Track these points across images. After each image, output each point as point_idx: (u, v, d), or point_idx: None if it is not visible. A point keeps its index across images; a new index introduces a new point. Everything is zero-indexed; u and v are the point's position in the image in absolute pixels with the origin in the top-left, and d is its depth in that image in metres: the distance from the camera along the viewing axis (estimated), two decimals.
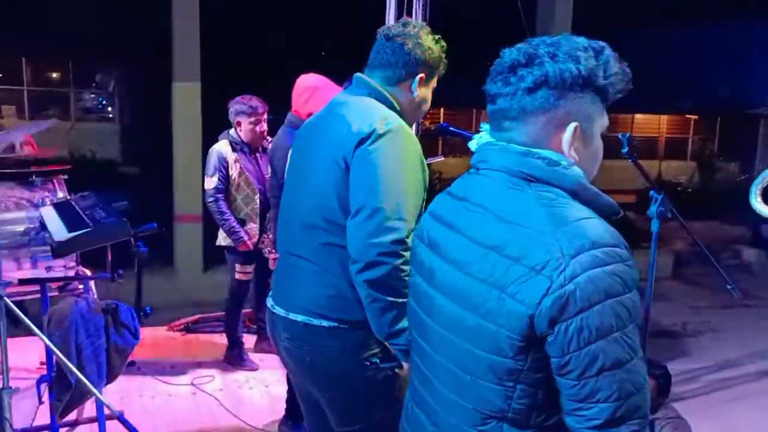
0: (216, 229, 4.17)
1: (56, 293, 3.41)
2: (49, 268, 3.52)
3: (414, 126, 3.20)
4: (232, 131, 4.11)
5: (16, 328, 2.29)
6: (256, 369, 4.27)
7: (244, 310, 4.42)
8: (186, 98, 6.00)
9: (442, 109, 17.98)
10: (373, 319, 1.81)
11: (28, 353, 3.92)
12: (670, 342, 5.41)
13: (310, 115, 2.32)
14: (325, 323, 1.90)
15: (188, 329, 4.93)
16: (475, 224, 1.22)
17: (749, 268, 8.18)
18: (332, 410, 2.01)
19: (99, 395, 2.23)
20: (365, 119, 1.84)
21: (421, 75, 1.96)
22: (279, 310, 2.00)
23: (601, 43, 1.20)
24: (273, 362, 4.32)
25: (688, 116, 20.09)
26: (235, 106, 4.06)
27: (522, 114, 1.19)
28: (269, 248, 3.90)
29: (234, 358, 4.31)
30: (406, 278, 1.73)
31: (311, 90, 3.17)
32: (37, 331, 1.99)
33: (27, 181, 3.73)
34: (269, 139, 4.06)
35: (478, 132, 2.29)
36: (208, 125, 5.76)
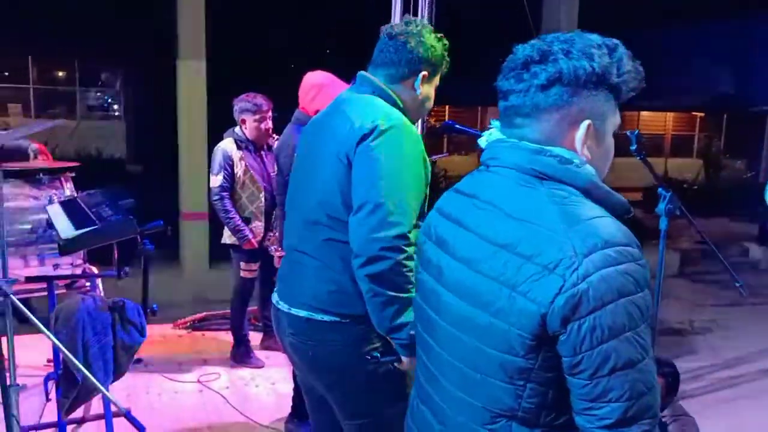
0: (221, 226, 4.17)
1: (63, 290, 3.42)
2: (56, 266, 3.54)
3: (419, 124, 3.22)
4: (237, 129, 4.11)
5: (23, 325, 2.30)
6: (262, 366, 4.28)
7: (250, 308, 4.43)
8: (191, 96, 6.01)
9: (447, 107, 17.96)
10: (374, 313, 1.82)
11: (35, 350, 3.93)
12: (677, 340, 5.40)
13: (317, 112, 2.34)
14: (326, 318, 1.92)
15: (194, 327, 4.95)
16: (485, 222, 1.21)
17: (756, 266, 8.16)
18: (337, 404, 2.04)
19: (106, 392, 2.23)
20: (368, 116, 1.85)
21: (424, 73, 1.98)
22: (283, 306, 2.03)
23: (615, 41, 1.19)
24: (279, 360, 4.33)
25: (694, 113, 20.04)
26: (239, 104, 4.06)
27: (535, 111, 1.19)
28: (275, 246, 3.90)
29: (240, 356, 4.32)
30: (408, 273, 1.76)
31: (318, 87, 3.17)
32: (44, 329, 1.99)
33: (34, 179, 3.74)
34: (275, 137, 4.06)
35: (484, 130, 2.29)
36: (213, 123, 5.77)
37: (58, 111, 17.19)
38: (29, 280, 3.19)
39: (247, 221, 4.06)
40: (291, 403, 3.48)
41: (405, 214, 1.78)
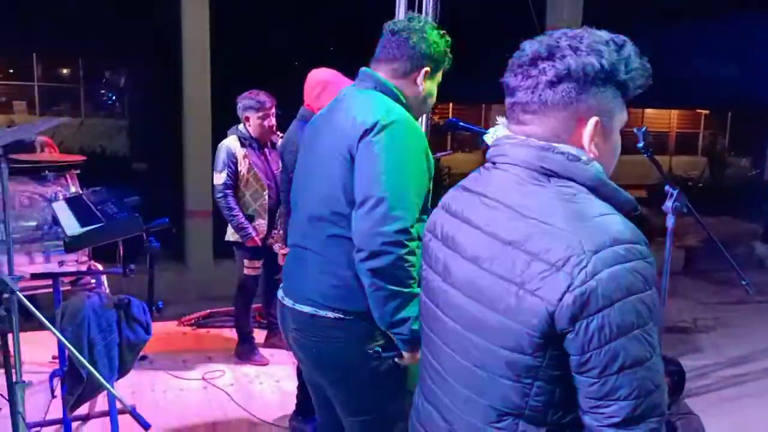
0: (225, 224, 4.17)
1: (68, 287, 3.43)
2: (61, 263, 3.54)
3: (423, 122, 3.21)
4: (240, 126, 4.10)
5: (28, 322, 2.30)
6: (267, 364, 4.28)
7: (254, 305, 4.44)
8: (196, 94, 6.01)
9: (450, 105, 17.93)
10: (375, 308, 1.83)
11: (41, 347, 3.94)
12: (681, 338, 5.38)
13: (322, 109, 2.33)
14: (330, 314, 1.93)
15: (199, 324, 4.96)
16: (492, 219, 1.20)
17: (762, 264, 8.13)
18: (340, 401, 2.04)
19: (111, 389, 2.24)
20: (369, 111, 1.86)
21: (426, 69, 1.99)
22: (288, 302, 2.04)
23: (623, 37, 1.18)
24: (283, 357, 4.34)
25: (698, 111, 19.98)
26: (243, 101, 4.06)
27: (542, 108, 1.18)
28: (280, 244, 3.90)
29: (244, 353, 4.32)
30: (410, 268, 1.77)
31: (323, 84, 3.17)
32: (49, 326, 2.00)
33: (40, 176, 3.75)
34: (279, 134, 4.06)
35: (488, 127, 2.28)
36: (216, 121, 5.77)
37: (63, 108, 17.21)
38: (35, 277, 3.20)
39: (250, 219, 4.06)
40: (295, 401, 3.49)
41: (407, 209, 1.79)
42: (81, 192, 3.68)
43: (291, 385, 3.76)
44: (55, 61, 18.52)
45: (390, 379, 1.95)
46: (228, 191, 4.03)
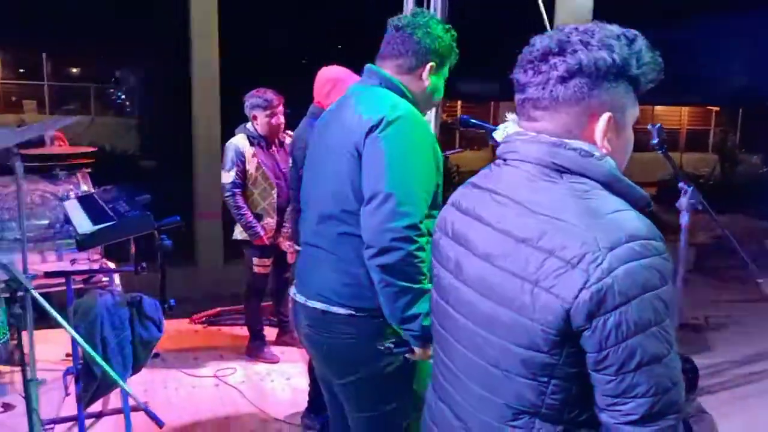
0: (234, 222, 4.18)
1: (81, 286, 3.44)
2: (73, 261, 3.56)
3: (433, 121, 3.21)
4: (248, 125, 4.11)
5: (41, 320, 2.32)
6: (278, 361, 4.29)
7: (264, 303, 4.45)
8: (205, 93, 6.02)
9: (459, 103, 17.91)
10: (386, 304, 1.83)
11: (54, 345, 3.97)
12: (692, 336, 5.36)
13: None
14: (342, 311, 1.93)
15: (210, 322, 4.97)
16: (505, 216, 1.20)
17: None
18: (349, 397, 2.05)
19: (125, 387, 2.25)
20: (375, 107, 1.86)
21: (432, 64, 1.98)
22: (300, 298, 2.05)
23: (634, 31, 1.17)
24: (294, 355, 4.35)
25: (709, 108, 19.86)
26: (250, 99, 4.06)
27: (554, 104, 1.17)
28: (289, 242, 3.90)
29: (255, 351, 4.33)
30: (420, 264, 1.76)
31: (333, 81, 3.17)
32: (64, 323, 2.01)
33: (51, 175, 3.77)
34: (289, 132, 4.06)
35: (498, 125, 2.28)
36: (226, 120, 5.78)
37: (73, 107, 17.30)
38: (47, 275, 3.21)
39: (258, 217, 4.07)
40: (307, 398, 3.50)
41: (415, 204, 1.79)
42: (92, 190, 3.70)
43: (302, 383, 3.77)
44: (65, 60, 18.62)
45: (399, 377, 1.95)
46: (236, 190, 4.03)
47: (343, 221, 1.91)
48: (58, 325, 2.13)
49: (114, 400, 3.34)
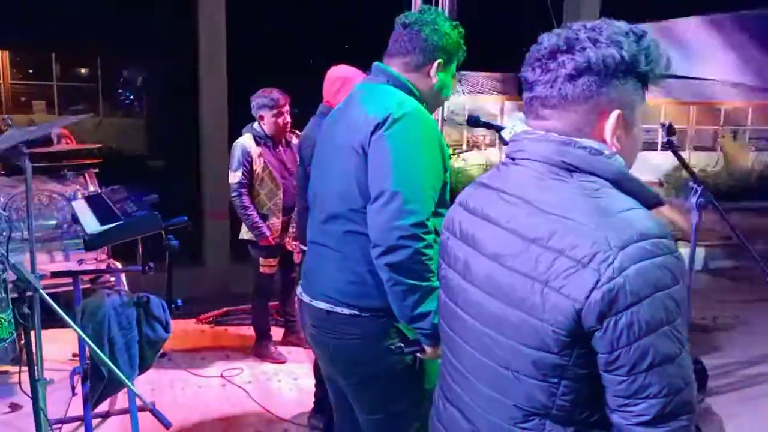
0: (241, 222, 4.19)
1: (88, 285, 3.46)
2: (81, 261, 3.58)
3: (440, 121, 3.20)
4: (255, 125, 4.11)
5: (49, 319, 2.33)
6: (284, 362, 4.29)
7: (271, 303, 4.45)
8: (212, 94, 6.03)
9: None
10: (395, 303, 1.81)
11: (60, 345, 3.98)
12: (701, 336, 5.33)
13: None
14: (346, 310, 1.92)
15: (217, 322, 4.98)
16: (514, 216, 1.18)
17: None
18: (356, 398, 2.04)
19: (132, 387, 2.25)
20: (381, 105, 1.85)
21: (439, 61, 1.96)
22: (306, 298, 2.04)
23: (642, 28, 1.16)
24: (301, 355, 4.35)
25: (718, 106, 19.74)
26: (256, 99, 4.06)
27: (562, 102, 1.16)
28: (296, 242, 3.90)
29: (262, 351, 4.33)
30: (428, 262, 1.75)
31: (342, 80, 3.16)
32: (72, 324, 2.01)
33: (59, 175, 3.79)
34: (297, 132, 4.06)
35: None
36: (233, 120, 5.79)
37: (82, 107, 17.35)
38: (55, 275, 3.22)
39: (264, 218, 4.06)
40: (313, 399, 3.49)
41: (422, 202, 1.77)
42: (100, 190, 3.71)
43: (309, 383, 3.76)
44: (73, 60, 18.69)
45: (406, 378, 1.93)
46: (243, 190, 4.03)
47: (349, 220, 1.90)
48: (65, 325, 2.13)
49: (121, 400, 3.34)
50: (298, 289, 2.12)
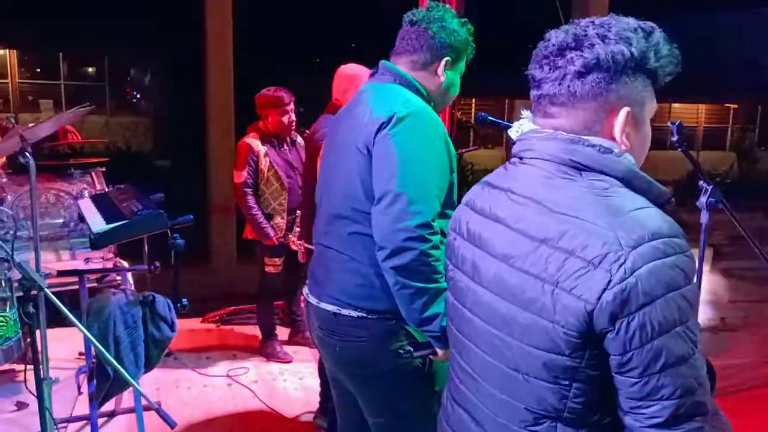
0: (246, 221, 4.18)
1: (94, 284, 3.45)
2: (87, 260, 3.57)
3: (447, 120, 3.18)
4: (261, 124, 4.11)
5: (55, 318, 2.32)
6: (290, 361, 4.28)
7: (277, 303, 4.44)
8: (219, 93, 6.03)
9: (473, 100, 17.84)
10: (403, 306, 1.79)
11: (66, 344, 3.98)
12: (708, 336, 5.29)
13: None
14: (353, 313, 1.89)
15: (223, 321, 4.98)
16: (521, 216, 1.16)
17: None
18: (363, 401, 2.02)
19: (137, 386, 2.24)
20: (386, 104, 1.82)
21: (447, 59, 1.93)
22: (312, 299, 2.02)
23: (651, 24, 1.14)
24: (307, 355, 4.34)
25: (727, 105, 19.67)
26: (262, 98, 4.05)
27: (571, 99, 1.14)
28: (300, 241, 3.89)
29: (268, 350, 4.33)
30: (435, 263, 1.72)
31: (350, 79, 3.15)
32: (77, 323, 2.00)
33: (66, 174, 3.79)
34: (304, 130, 4.05)
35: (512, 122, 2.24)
36: (239, 119, 5.79)
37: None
38: (61, 274, 3.22)
39: (269, 217, 4.06)
40: (319, 399, 3.48)
41: (427, 202, 1.74)
42: (106, 189, 3.71)
43: (315, 383, 3.75)
44: (80, 60, 18.76)
45: (414, 380, 1.91)
46: (248, 189, 4.03)
47: (354, 221, 1.87)
48: (71, 324, 2.13)
49: (126, 399, 3.34)
50: (305, 290, 2.10)
